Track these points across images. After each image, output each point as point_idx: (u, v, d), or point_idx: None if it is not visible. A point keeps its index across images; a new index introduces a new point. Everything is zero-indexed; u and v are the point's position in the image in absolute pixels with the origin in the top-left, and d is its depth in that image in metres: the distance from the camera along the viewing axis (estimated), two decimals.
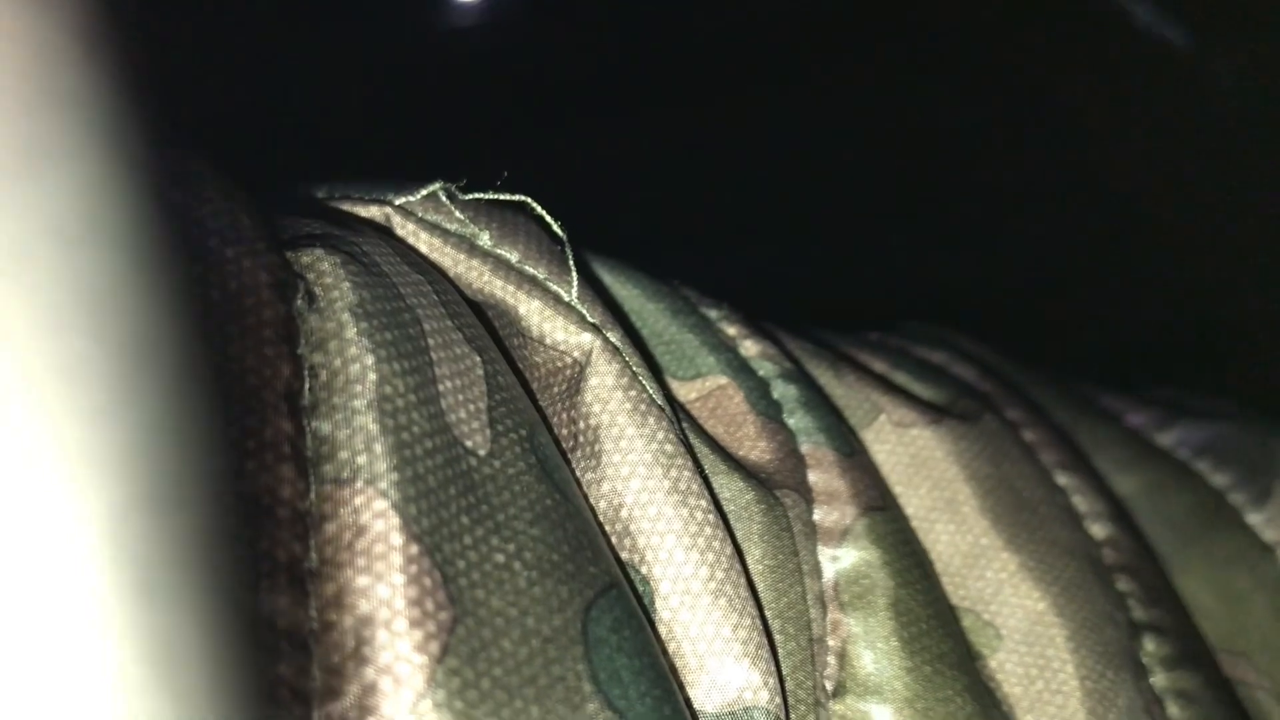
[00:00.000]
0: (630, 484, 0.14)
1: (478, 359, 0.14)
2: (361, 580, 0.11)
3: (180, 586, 0.07)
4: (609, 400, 0.15)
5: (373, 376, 0.12)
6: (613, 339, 0.15)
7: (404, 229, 0.16)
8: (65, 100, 0.08)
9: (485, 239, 0.16)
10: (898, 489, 0.19)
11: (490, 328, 0.16)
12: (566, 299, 0.16)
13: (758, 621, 0.14)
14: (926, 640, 0.16)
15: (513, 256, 0.16)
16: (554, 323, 0.15)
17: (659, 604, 0.14)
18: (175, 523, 0.08)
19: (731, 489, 0.16)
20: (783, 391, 0.18)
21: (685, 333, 0.18)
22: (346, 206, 0.16)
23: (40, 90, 0.08)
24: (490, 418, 0.13)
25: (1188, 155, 0.37)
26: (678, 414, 0.16)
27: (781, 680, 0.15)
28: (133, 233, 0.08)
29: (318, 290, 0.12)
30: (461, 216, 0.16)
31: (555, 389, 0.16)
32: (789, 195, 0.42)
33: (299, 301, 0.12)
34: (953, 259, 0.41)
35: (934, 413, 0.19)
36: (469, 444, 0.13)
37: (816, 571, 0.16)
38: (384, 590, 0.11)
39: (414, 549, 0.11)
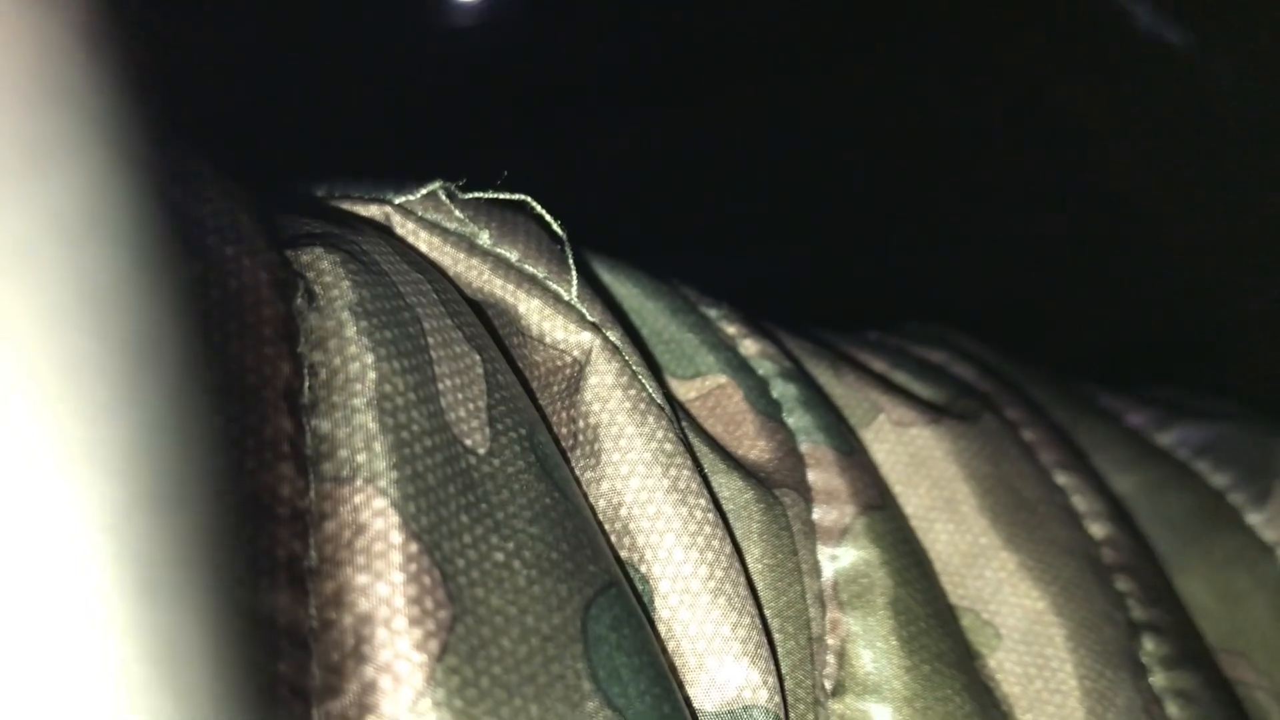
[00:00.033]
0: (630, 483, 0.14)
1: (477, 358, 0.14)
2: (361, 578, 0.11)
3: (182, 584, 0.07)
4: (608, 399, 0.15)
5: (372, 375, 0.12)
6: (612, 338, 0.15)
7: (404, 228, 0.16)
8: (69, 98, 0.08)
9: (485, 238, 0.16)
10: (897, 488, 0.19)
11: (490, 327, 0.16)
12: (566, 298, 0.16)
13: (757, 620, 0.14)
14: (925, 639, 0.16)
15: (512, 255, 0.16)
16: (553, 321, 0.15)
17: (658, 603, 0.14)
18: (177, 520, 0.08)
19: (731, 488, 0.16)
20: (782, 390, 0.18)
21: (685, 331, 0.18)
22: (346, 205, 0.16)
23: (44, 88, 0.08)
24: (490, 416, 0.13)
25: (1187, 155, 0.37)
26: (677, 413, 0.16)
27: (781, 679, 0.15)
28: (135, 231, 0.08)
29: (317, 289, 0.12)
30: (461, 215, 0.16)
31: (555, 388, 0.16)
32: (789, 195, 0.42)
33: (299, 300, 0.12)
34: (953, 259, 0.41)
35: (933, 412, 0.19)
36: (468, 442, 0.13)
37: (815, 570, 0.16)
38: (383, 588, 0.11)
39: (413, 547, 0.11)
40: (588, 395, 0.15)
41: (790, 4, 0.43)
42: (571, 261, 0.16)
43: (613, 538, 0.14)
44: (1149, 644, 0.19)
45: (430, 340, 0.13)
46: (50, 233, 0.07)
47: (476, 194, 0.16)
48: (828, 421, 0.18)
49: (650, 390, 0.15)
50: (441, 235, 0.16)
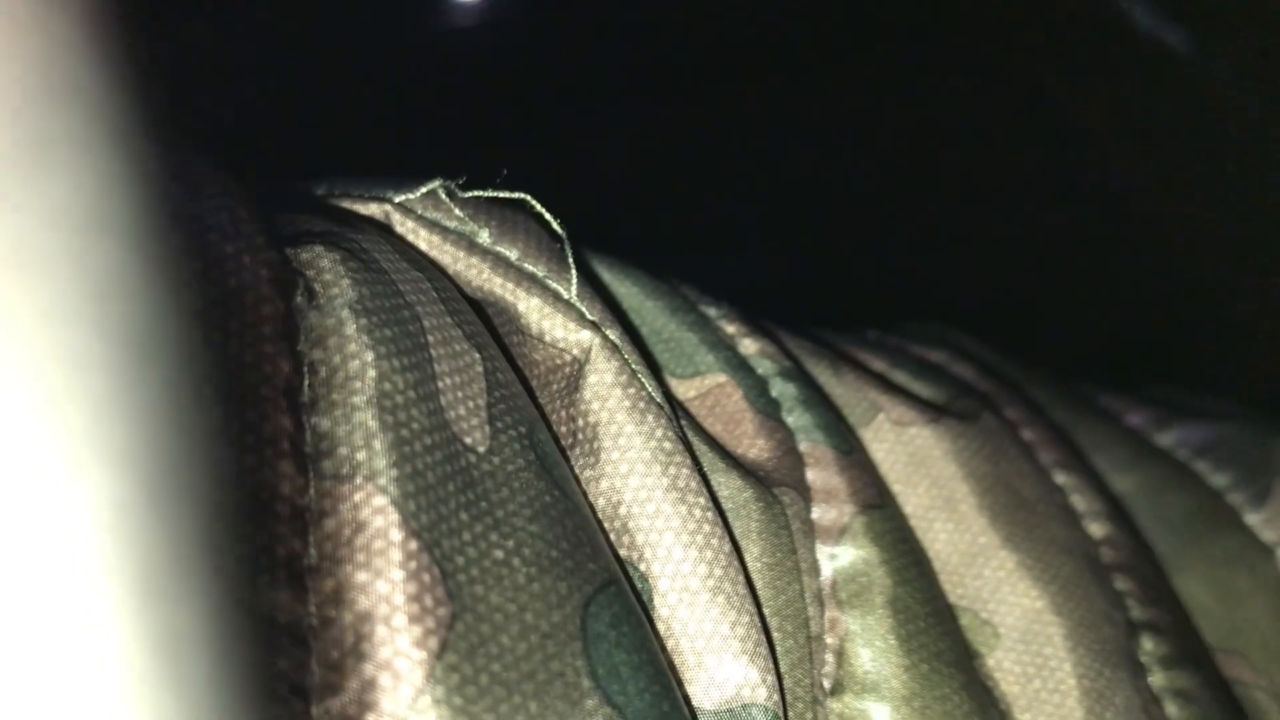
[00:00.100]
0: (629, 481, 0.14)
1: (477, 356, 0.14)
2: (361, 576, 0.11)
3: (184, 581, 0.07)
4: (608, 398, 0.15)
5: (372, 373, 0.12)
6: (612, 336, 0.15)
7: (403, 226, 0.16)
8: (71, 93, 0.08)
9: (485, 236, 0.16)
10: (896, 487, 0.19)
11: (490, 325, 0.16)
12: (566, 296, 0.16)
13: (756, 619, 0.14)
14: (924, 638, 0.16)
15: (512, 254, 0.16)
16: (553, 320, 0.15)
17: (657, 601, 0.14)
18: (179, 517, 0.08)
19: (730, 487, 0.16)
20: (781, 389, 0.18)
21: (684, 330, 0.18)
22: (346, 204, 0.16)
23: (47, 83, 0.08)
24: (489, 415, 0.13)
25: (1187, 155, 0.38)
26: (676, 412, 0.16)
27: (780, 678, 0.15)
28: (137, 227, 0.08)
29: (317, 287, 0.12)
30: (461, 214, 0.16)
31: (554, 386, 0.16)
32: (789, 195, 0.42)
33: (298, 298, 0.12)
34: (953, 259, 0.41)
35: (932, 411, 0.19)
36: (468, 441, 0.13)
37: (814, 569, 0.16)
38: (383, 586, 0.11)
39: (413, 545, 0.11)
40: (587, 394, 0.15)
41: (790, 4, 0.43)
42: (571, 260, 0.16)
43: (612, 536, 0.14)
44: (1148, 643, 0.19)
45: (430, 338, 0.13)
46: (53, 227, 0.07)
47: (476, 193, 0.16)
48: (827, 420, 0.18)
49: (649, 389, 0.15)
50: (441, 234, 0.16)
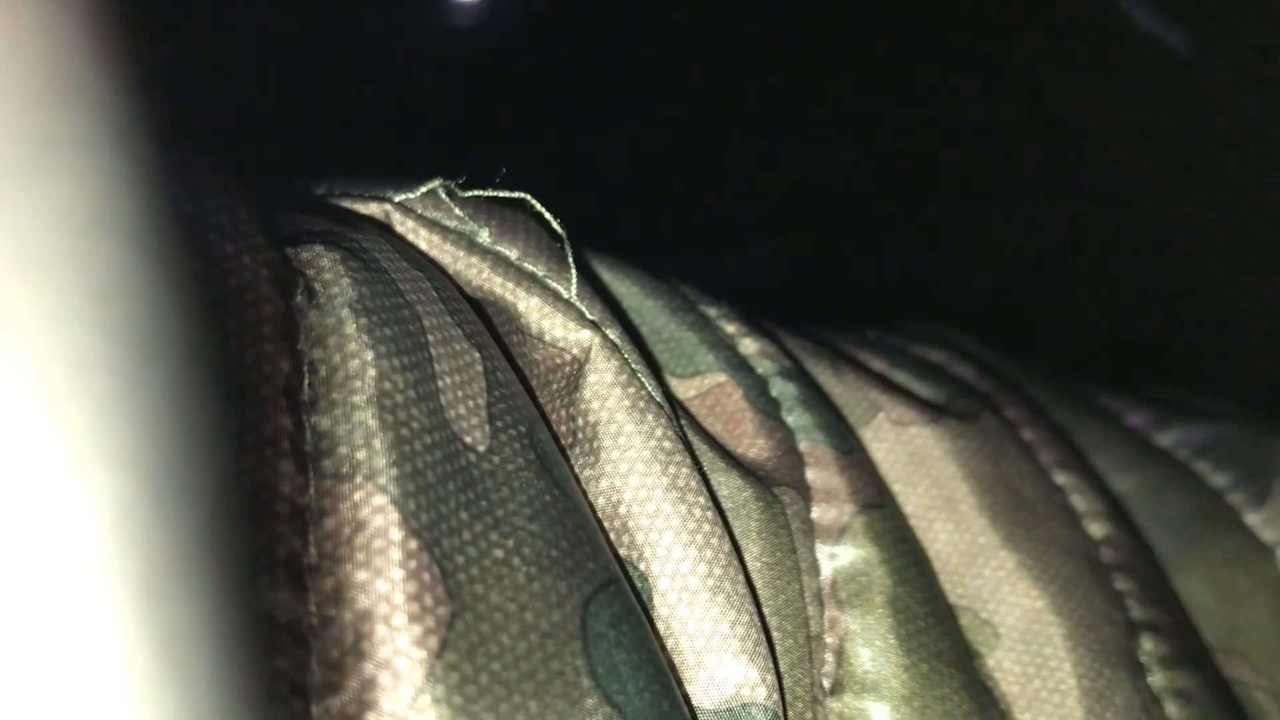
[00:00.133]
0: (629, 480, 0.14)
1: (477, 355, 0.14)
2: (360, 575, 0.11)
3: (185, 580, 0.07)
4: (607, 397, 0.15)
5: (372, 372, 0.12)
6: (612, 336, 0.15)
7: (403, 226, 0.16)
8: (74, 93, 0.08)
9: (485, 236, 0.16)
10: (896, 487, 0.19)
11: (490, 325, 0.16)
12: (565, 296, 0.16)
13: (755, 618, 0.14)
14: (924, 638, 0.16)
15: (512, 253, 0.16)
16: (553, 320, 0.15)
17: (657, 600, 0.14)
18: (181, 516, 0.08)
19: (730, 486, 0.16)
20: (781, 389, 0.18)
21: (684, 330, 0.18)
22: (346, 203, 0.16)
23: (50, 83, 0.08)
24: (489, 414, 0.13)
25: (1187, 155, 0.38)
26: (676, 411, 0.16)
27: (779, 677, 0.15)
28: (139, 227, 0.08)
29: (317, 286, 0.12)
30: (461, 213, 0.16)
31: (554, 386, 0.16)
32: (789, 195, 0.42)
33: (298, 297, 0.12)
34: (953, 259, 0.41)
35: (932, 411, 0.19)
36: (468, 440, 0.13)
37: (814, 569, 0.16)
38: (383, 585, 0.11)
39: (413, 544, 0.11)
40: (587, 393, 0.15)
41: (790, 4, 0.43)
42: (571, 259, 0.16)
43: (612, 535, 0.14)
44: (1147, 643, 0.19)
45: (430, 338, 0.13)
46: (59, 230, 0.07)
47: (476, 192, 0.16)
48: (827, 420, 0.18)
49: (649, 388, 0.15)
50: (441, 233, 0.16)
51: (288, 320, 0.12)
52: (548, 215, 0.16)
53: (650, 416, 0.15)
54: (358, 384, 0.12)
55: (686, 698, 0.14)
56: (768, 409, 0.17)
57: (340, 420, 0.12)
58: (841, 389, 0.19)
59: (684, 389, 0.18)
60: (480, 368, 0.13)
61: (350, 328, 0.12)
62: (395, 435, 0.12)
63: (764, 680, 0.14)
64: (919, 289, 0.39)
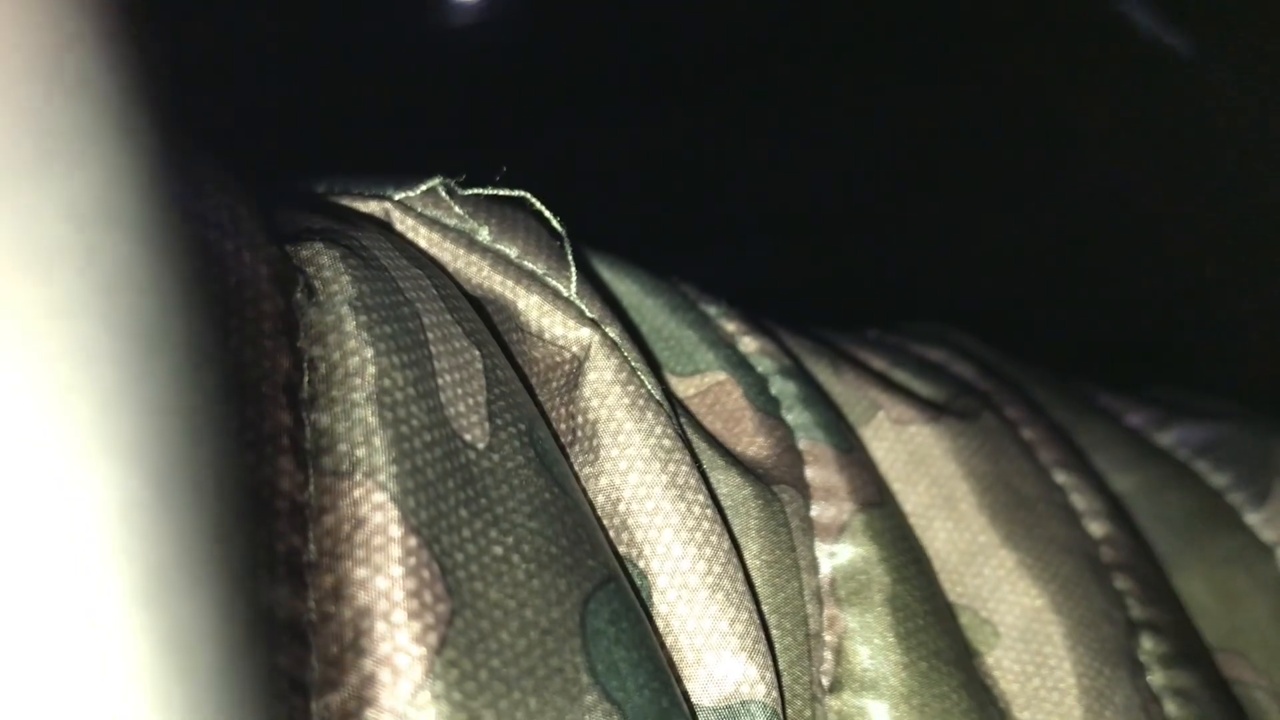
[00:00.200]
0: (628, 478, 0.14)
1: (477, 353, 0.14)
2: (360, 572, 0.11)
3: (188, 575, 0.07)
4: (607, 395, 0.15)
5: (372, 370, 0.12)
6: (611, 334, 0.15)
7: (403, 224, 0.16)
8: (80, 86, 0.08)
9: (484, 234, 0.16)
10: (896, 486, 0.19)
11: (489, 323, 0.16)
12: (565, 294, 0.16)
13: (755, 616, 0.14)
14: (923, 636, 0.16)
15: (512, 251, 0.16)
16: (553, 318, 0.15)
17: (656, 598, 0.14)
18: (184, 511, 0.08)
19: (729, 484, 0.16)
20: (781, 388, 0.18)
21: (684, 329, 0.18)
22: (346, 201, 0.16)
23: (56, 75, 0.08)
24: (489, 411, 0.13)
25: (1187, 155, 0.38)
26: (676, 409, 0.16)
27: (778, 675, 0.15)
28: (144, 221, 0.08)
29: (317, 284, 0.12)
30: (461, 212, 0.16)
31: (554, 384, 0.16)
32: (789, 195, 0.42)
33: (298, 295, 0.12)
34: (953, 259, 0.41)
35: (932, 410, 0.19)
36: (468, 437, 0.13)
37: (813, 567, 0.16)
38: (382, 582, 0.11)
39: (413, 541, 0.11)
40: (586, 391, 0.15)
41: (790, 4, 0.43)
42: (570, 258, 0.16)
43: (611, 533, 0.14)
44: (1147, 642, 0.19)
45: (430, 335, 0.13)
46: (63, 221, 0.07)
47: (476, 190, 0.16)
48: (827, 419, 0.18)
49: (649, 386, 0.15)
50: (441, 231, 0.16)
51: (287, 317, 0.12)
52: (547, 214, 0.16)
53: (650, 414, 0.15)
54: (357, 381, 0.12)
55: (686, 695, 0.14)
56: (767, 407, 0.17)
57: (340, 417, 0.12)
58: (841, 387, 0.19)
59: (684, 387, 0.18)
60: (480, 365, 0.13)
61: (350, 325, 0.12)
62: (395, 433, 0.12)
63: (763, 678, 0.14)
64: (919, 289, 0.39)
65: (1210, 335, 0.38)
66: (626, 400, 0.15)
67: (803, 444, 0.17)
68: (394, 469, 0.11)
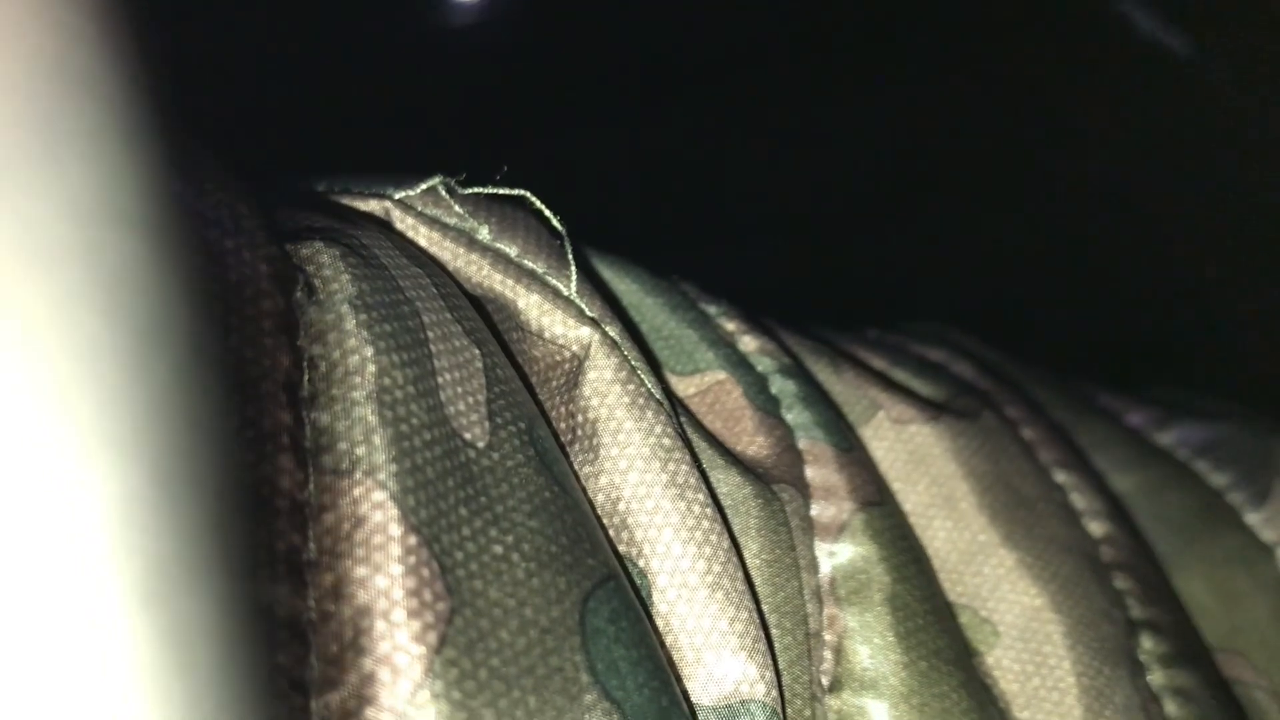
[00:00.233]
0: (628, 477, 0.14)
1: (477, 352, 0.14)
2: (360, 571, 0.11)
3: (189, 572, 0.07)
4: (607, 394, 0.15)
5: (372, 368, 0.12)
6: (611, 333, 0.15)
7: (403, 223, 0.16)
8: (83, 83, 0.08)
9: (484, 233, 0.16)
10: (896, 485, 0.19)
11: (489, 321, 0.16)
12: (565, 293, 0.16)
13: (754, 615, 0.14)
14: (923, 635, 0.16)
15: (512, 251, 0.16)
16: (553, 317, 0.15)
17: (656, 597, 0.14)
18: (185, 508, 0.08)
19: (729, 483, 0.16)
20: (781, 387, 0.18)
21: (684, 328, 0.18)
22: (346, 200, 0.16)
23: (59, 72, 0.08)
24: (489, 410, 0.13)
25: (1187, 155, 0.38)
26: (676, 408, 0.16)
27: (778, 674, 0.15)
28: (145, 218, 0.08)
29: (317, 282, 0.12)
30: (461, 211, 0.16)
31: (554, 383, 0.16)
32: (789, 195, 0.42)
33: (298, 293, 0.12)
34: (952, 259, 0.41)
35: (932, 409, 0.19)
36: (468, 436, 0.13)
37: (813, 566, 0.16)
38: (382, 581, 0.11)
39: (412, 540, 0.11)
40: (586, 390, 0.15)
41: (790, 4, 0.43)
42: (570, 257, 0.16)
43: (611, 532, 0.14)
44: (1147, 642, 0.19)
45: (430, 334, 0.13)
46: (64, 215, 0.07)
47: (476, 189, 0.16)
48: (826, 418, 0.18)
49: (649, 385, 0.15)
50: (441, 230, 0.16)
51: (288, 316, 0.12)
52: (547, 212, 0.16)
53: (650, 413, 0.15)
54: (357, 380, 0.12)
55: (685, 694, 0.14)
56: (767, 406, 0.17)
57: (340, 416, 0.12)
58: (841, 387, 0.19)
59: (683, 386, 0.18)
60: (480, 364, 0.13)
61: (350, 324, 0.12)
62: (395, 431, 0.12)
63: (763, 677, 0.14)
64: (919, 289, 0.39)
65: (1210, 335, 0.38)
66: (626, 399, 0.15)
67: (802, 443, 0.17)
68: (394, 467, 0.11)
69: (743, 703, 0.14)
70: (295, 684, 0.10)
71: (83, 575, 0.07)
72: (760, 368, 0.18)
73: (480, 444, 0.13)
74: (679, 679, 0.14)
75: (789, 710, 0.15)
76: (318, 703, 0.10)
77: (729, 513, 0.15)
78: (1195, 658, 0.19)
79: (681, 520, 0.14)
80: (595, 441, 0.15)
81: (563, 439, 0.15)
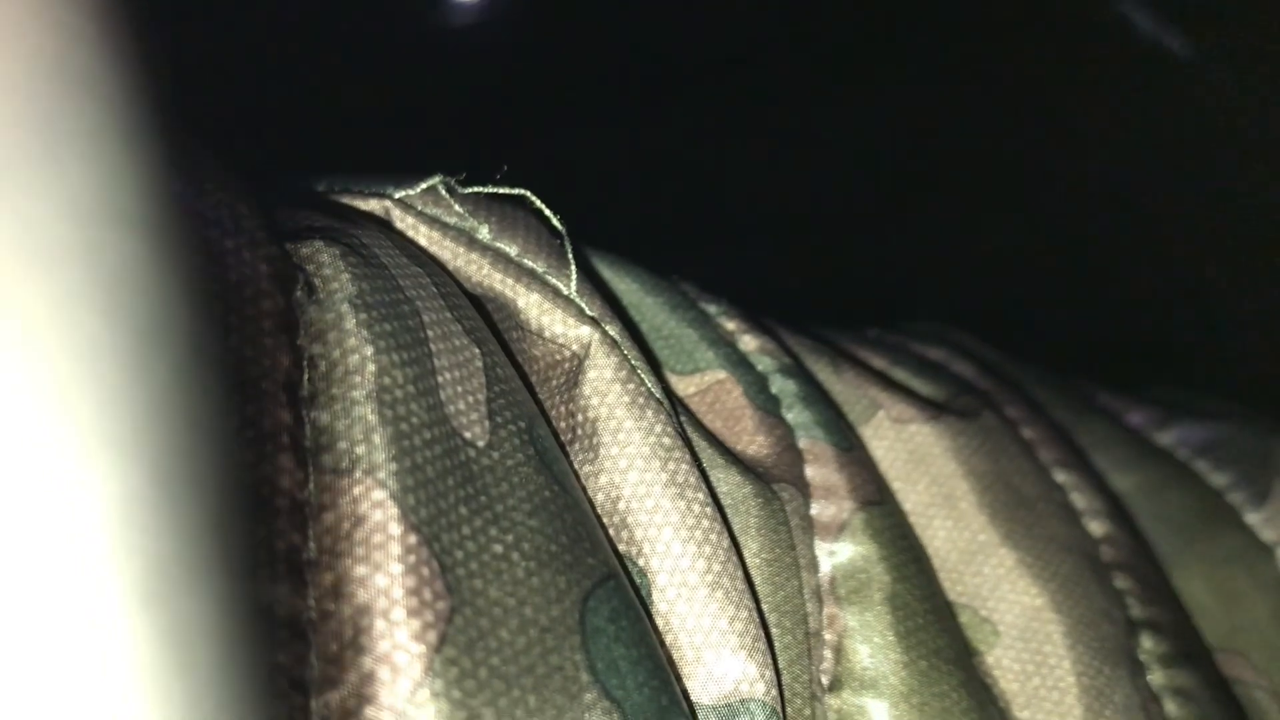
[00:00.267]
0: (628, 476, 0.14)
1: (477, 351, 0.14)
2: (360, 570, 0.11)
3: (189, 572, 0.07)
4: (607, 393, 0.15)
5: (371, 367, 0.12)
6: (611, 332, 0.15)
7: (403, 222, 0.16)
8: (83, 83, 0.08)
9: (485, 232, 0.16)
10: (896, 484, 0.19)
11: (489, 321, 0.16)
12: (565, 292, 0.16)
13: (754, 614, 0.14)
14: (923, 635, 0.16)
15: (512, 250, 0.16)
16: (553, 316, 0.15)
17: (656, 596, 0.14)
18: (185, 508, 0.08)
19: (729, 483, 0.16)
20: (781, 386, 0.18)
21: (684, 327, 0.18)
22: (346, 200, 0.16)
23: (59, 72, 0.08)
24: (489, 409, 0.13)
25: (1187, 155, 0.38)
26: (676, 408, 0.16)
27: (778, 673, 0.15)
28: (145, 218, 0.08)
29: (317, 282, 0.12)
30: (461, 210, 0.16)
31: (554, 382, 0.16)
32: (789, 195, 0.42)
33: (298, 293, 0.12)
34: (952, 259, 0.41)
35: (932, 409, 0.19)
36: (468, 435, 0.13)
37: (813, 566, 0.16)
38: (382, 579, 0.11)
39: (412, 539, 0.11)
40: (586, 389, 0.15)
41: (791, 4, 0.43)
42: (570, 256, 0.16)
43: (611, 531, 0.14)
44: (1147, 642, 0.19)
45: (430, 333, 0.13)
46: (64, 214, 0.07)
47: (476, 189, 0.16)
48: (827, 417, 0.18)
49: (649, 385, 0.15)
50: (441, 230, 0.16)
51: (287, 315, 0.12)
52: (547, 212, 0.16)
53: (649, 413, 0.15)
54: (357, 379, 0.12)
55: (685, 693, 0.14)
56: (767, 406, 0.17)
57: (340, 415, 0.12)
58: (841, 386, 0.19)
59: (684, 386, 0.18)
60: (480, 363, 0.13)
61: (350, 323, 0.12)
62: (395, 430, 0.12)
63: (762, 676, 0.14)
64: (919, 289, 0.39)
65: (1210, 335, 0.38)
66: (626, 398, 0.15)
67: (803, 442, 0.17)
68: (393, 467, 0.11)
69: (742, 702, 0.14)
70: (295, 683, 0.10)
71: (83, 575, 0.07)
72: (760, 367, 0.18)
73: (480, 443, 0.13)
74: (679, 678, 0.14)
75: (789, 709, 0.15)
76: (318, 702, 0.10)
77: (729, 512, 0.15)
78: (1195, 657, 0.19)
79: (681, 519, 0.14)
80: (595, 441, 0.15)
81: (563, 438, 0.15)
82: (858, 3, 0.43)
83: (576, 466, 0.15)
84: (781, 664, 0.15)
